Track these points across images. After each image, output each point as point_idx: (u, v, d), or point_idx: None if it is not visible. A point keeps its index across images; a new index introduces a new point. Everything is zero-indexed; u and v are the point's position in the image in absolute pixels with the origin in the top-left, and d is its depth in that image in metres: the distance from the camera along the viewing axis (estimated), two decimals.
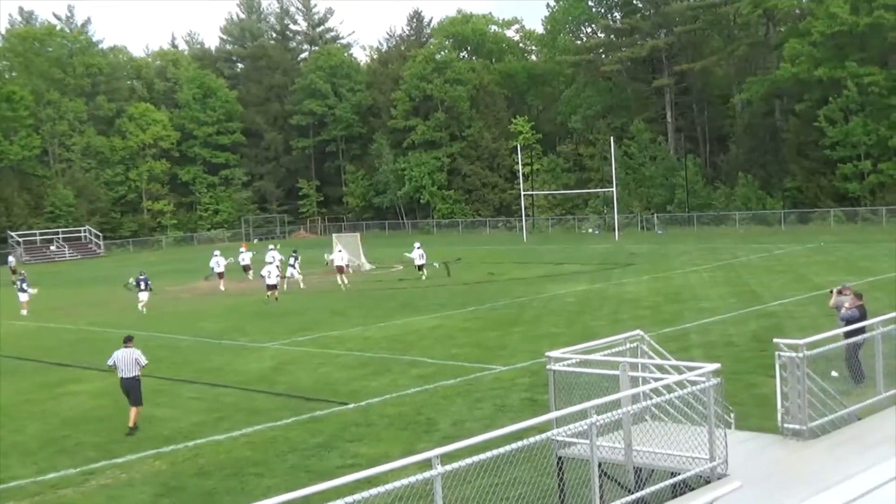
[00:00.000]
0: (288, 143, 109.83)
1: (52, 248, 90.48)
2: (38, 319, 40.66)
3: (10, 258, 74.53)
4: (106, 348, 30.89)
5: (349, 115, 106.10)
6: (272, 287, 42.60)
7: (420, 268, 49.12)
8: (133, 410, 19.61)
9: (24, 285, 44.44)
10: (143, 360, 19.84)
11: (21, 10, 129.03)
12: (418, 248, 50.00)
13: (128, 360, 19.65)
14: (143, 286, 41.78)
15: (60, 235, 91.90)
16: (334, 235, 61.00)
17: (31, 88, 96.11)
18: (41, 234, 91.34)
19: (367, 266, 55.72)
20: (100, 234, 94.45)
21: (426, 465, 8.75)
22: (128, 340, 20.11)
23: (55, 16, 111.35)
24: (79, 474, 16.53)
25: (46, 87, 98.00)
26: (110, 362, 19.99)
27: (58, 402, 22.88)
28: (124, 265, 73.44)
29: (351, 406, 20.30)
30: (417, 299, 39.48)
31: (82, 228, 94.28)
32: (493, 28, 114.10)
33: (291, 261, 49.43)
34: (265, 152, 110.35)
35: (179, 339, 31.98)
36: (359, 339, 29.53)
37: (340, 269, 46.32)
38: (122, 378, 19.77)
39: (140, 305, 41.48)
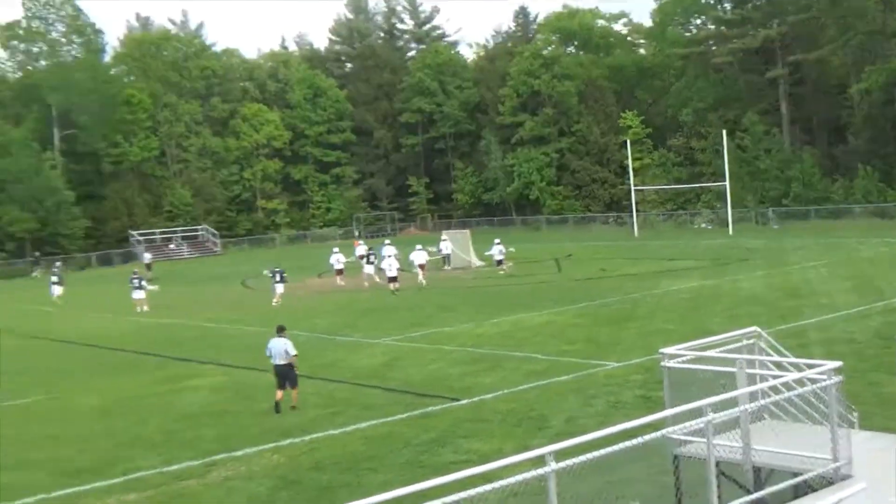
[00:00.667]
0: (397, 141, 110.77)
1: (172, 246, 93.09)
2: (158, 316, 41.89)
3: (147, 255, 76.53)
4: (225, 344, 31.78)
5: (457, 112, 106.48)
6: (393, 279, 44.55)
7: (499, 263, 50.22)
8: (293, 392, 21.11)
9: (142, 282, 45.84)
10: (292, 350, 21.23)
11: (138, 15, 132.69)
12: (498, 243, 50.94)
13: (280, 348, 21.08)
14: (278, 278, 43.37)
15: (179, 234, 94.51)
16: (444, 232, 61.19)
17: (149, 92, 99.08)
18: (161, 233, 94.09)
19: (477, 262, 55.79)
20: (216, 232, 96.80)
21: (540, 461, 8.75)
22: (280, 330, 21.56)
23: (170, 21, 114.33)
24: (200, 466, 16.97)
25: (163, 90, 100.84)
26: (268, 352, 21.47)
27: (178, 396, 23.53)
28: (240, 263, 75.12)
29: (463, 402, 20.38)
30: (528, 296, 39.40)
31: (199, 227, 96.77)
32: (600, 22, 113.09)
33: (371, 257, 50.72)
34: (375, 150, 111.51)
35: (296, 334, 32.46)
36: (470, 336, 29.62)
37: (422, 267, 46.94)
38: (275, 365, 21.20)
39: (275, 300, 42.90)
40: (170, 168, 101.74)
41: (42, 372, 29.20)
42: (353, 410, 20.44)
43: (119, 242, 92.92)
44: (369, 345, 29.44)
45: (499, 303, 37.67)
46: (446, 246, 53.75)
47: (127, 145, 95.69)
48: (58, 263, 68.28)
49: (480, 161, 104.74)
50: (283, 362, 21.05)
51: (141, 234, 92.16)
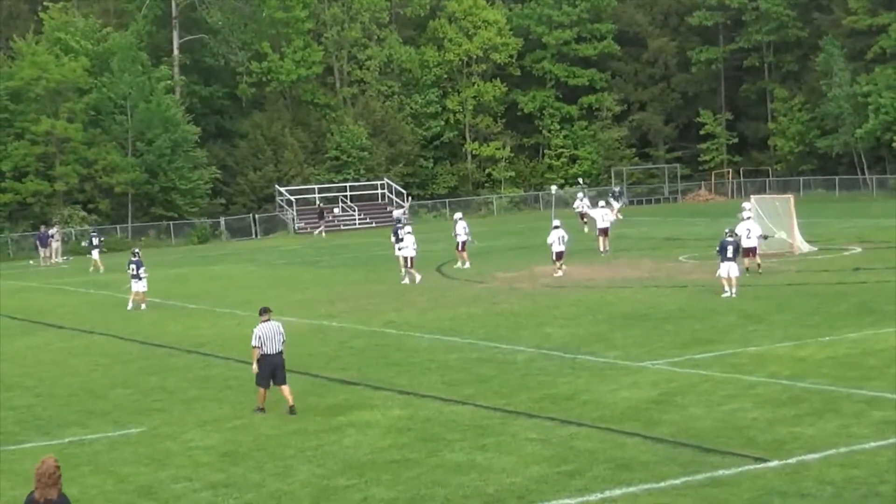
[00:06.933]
0: (684, 55, 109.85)
1: (337, 212, 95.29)
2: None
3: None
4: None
5: (781, 9, 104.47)
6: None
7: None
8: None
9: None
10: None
11: None
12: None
13: (273, 334, 25.82)
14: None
15: (347, 193, 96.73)
16: (752, 198, 59.53)
17: None
18: (319, 191, 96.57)
19: (805, 247, 54.52)
20: (403, 191, 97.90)
21: None
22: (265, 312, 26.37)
23: None
24: None
25: None
26: (258, 341, 25.71)
27: None
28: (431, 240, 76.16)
29: (773, 464, 20.04)
30: (885, 300, 38.31)
31: (379, 182, 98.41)
32: None
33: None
34: (649, 68, 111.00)
35: (516, 350, 32.77)
36: (788, 361, 29.10)
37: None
38: (269, 355, 25.68)
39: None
40: (337, 93, 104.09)
41: None
42: (599, 469, 20.37)
43: (261, 203, 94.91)
44: (629, 370, 29.30)
45: (836, 310, 36.94)
46: (749, 221, 52.71)
47: (276, 57, 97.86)
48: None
49: (815, 87, 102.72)
50: (275, 351, 25.73)
51: (291, 192, 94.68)
